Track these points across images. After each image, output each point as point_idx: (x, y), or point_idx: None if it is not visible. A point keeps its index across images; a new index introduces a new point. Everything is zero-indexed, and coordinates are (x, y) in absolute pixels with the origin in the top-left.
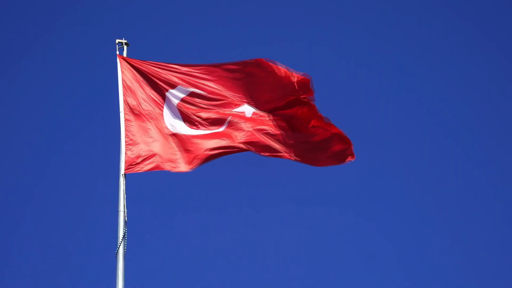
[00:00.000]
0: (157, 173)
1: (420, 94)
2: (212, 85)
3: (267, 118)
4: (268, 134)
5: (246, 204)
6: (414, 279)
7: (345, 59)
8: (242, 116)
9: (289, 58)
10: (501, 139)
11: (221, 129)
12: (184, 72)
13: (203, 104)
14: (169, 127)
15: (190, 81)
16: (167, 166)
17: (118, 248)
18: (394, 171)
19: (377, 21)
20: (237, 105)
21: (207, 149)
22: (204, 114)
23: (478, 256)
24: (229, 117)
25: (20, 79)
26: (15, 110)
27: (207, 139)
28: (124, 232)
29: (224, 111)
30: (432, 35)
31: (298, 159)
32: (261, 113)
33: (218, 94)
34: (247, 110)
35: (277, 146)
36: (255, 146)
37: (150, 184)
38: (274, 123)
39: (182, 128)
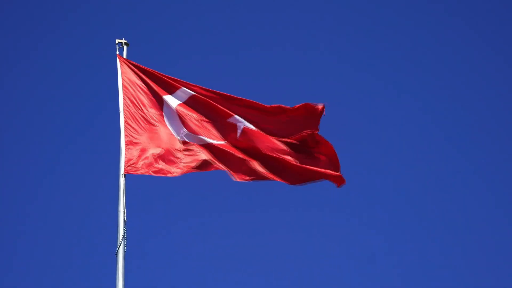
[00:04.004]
0: None
1: (419, 96)
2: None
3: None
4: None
5: (246, 205)
6: (413, 281)
7: (343, 61)
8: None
9: (286, 61)
10: (499, 140)
11: (216, 142)
12: (184, 82)
13: (200, 112)
14: (167, 129)
15: (190, 87)
16: (167, 170)
17: (118, 248)
18: (393, 173)
19: (374, 22)
20: (230, 115)
21: (198, 161)
22: (201, 122)
23: (478, 257)
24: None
25: (20, 79)
26: (15, 110)
27: (201, 149)
28: (124, 232)
29: (219, 123)
30: (430, 36)
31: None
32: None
33: (214, 105)
34: (239, 124)
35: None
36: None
37: (150, 184)
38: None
39: (179, 132)
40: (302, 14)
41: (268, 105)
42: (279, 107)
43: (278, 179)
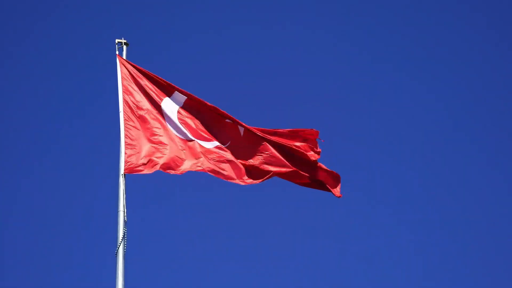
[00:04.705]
0: (157, 173)
1: (418, 96)
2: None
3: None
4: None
5: (246, 204)
6: (413, 281)
7: (352, 53)
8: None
9: (287, 62)
10: (501, 140)
11: (216, 145)
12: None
13: (198, 117)
14: (167, 127)
15: (184, 92)
16: (167, 169)
17: (118, 248)
18: (393, 172)
19: (382, 12)
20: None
21: (198, 163)
22: (200, 123)
23: (478, 257)
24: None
25: (20, 78)
26: (14, 110)
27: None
28: (124, 232)
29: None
30: (437, 35)
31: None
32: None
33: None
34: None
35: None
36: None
37: (150, 184)
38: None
39: (180, 131)
40: (303, 15)
41: (262, 128)
42: (274, 131)
43: (293, 169)
